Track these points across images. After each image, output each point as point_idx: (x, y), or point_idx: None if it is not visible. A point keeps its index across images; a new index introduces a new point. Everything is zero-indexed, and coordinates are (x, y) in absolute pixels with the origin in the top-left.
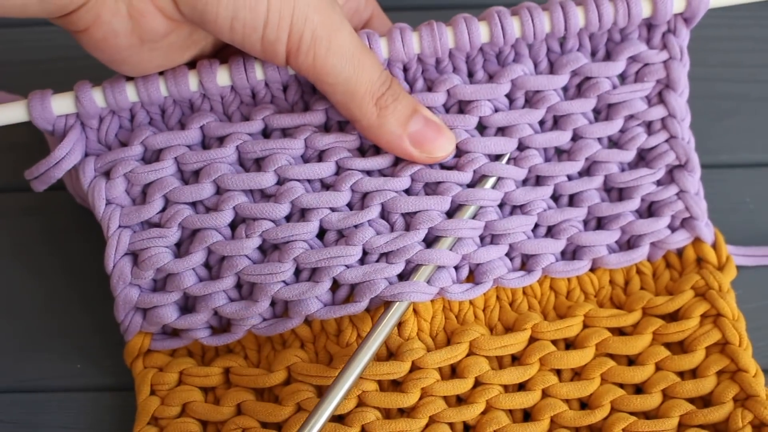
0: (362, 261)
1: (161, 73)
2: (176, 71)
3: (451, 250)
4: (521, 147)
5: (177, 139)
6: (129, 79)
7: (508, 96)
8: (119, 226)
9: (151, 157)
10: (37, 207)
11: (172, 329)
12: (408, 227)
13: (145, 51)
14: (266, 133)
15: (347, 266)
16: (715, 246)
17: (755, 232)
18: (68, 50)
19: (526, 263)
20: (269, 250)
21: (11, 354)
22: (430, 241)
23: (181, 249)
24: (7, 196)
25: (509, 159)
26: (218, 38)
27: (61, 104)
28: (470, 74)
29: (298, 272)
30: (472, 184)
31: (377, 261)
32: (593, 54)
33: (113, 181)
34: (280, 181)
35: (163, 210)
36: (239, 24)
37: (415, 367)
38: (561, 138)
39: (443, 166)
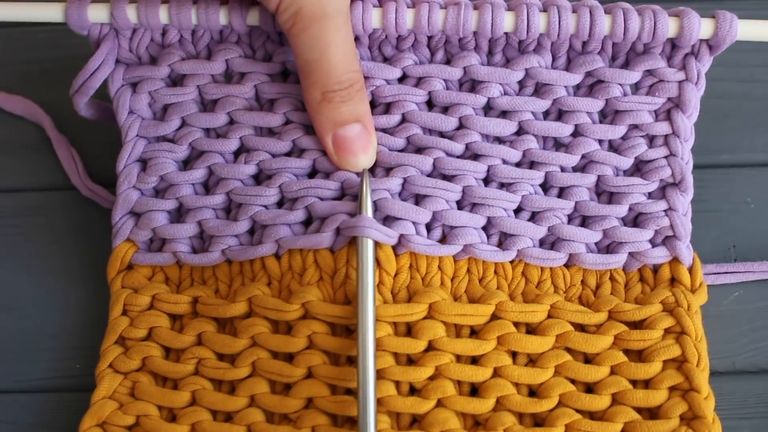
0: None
1: (195, 2)
2: (209, 5)
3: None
4: (520, 132)
5: (202, 69)
6: (165, 1)
7: (519, 83)
8: (137, 135)
9: (176, 77)
10: (37, 207)
11: (157, 246)
12: None
13: None
14: (286, 73)
15: (321, 199)
16: (691, 270)
17: (755, 232)
18: (68, 50)
19: (503, 243)
20: (263, 181)
21: (11, 354)
22: (406, 197)
23: (186, 166)
24: (7, 196)
25: (506, 141)
26: None
27: (96, 14)
28: (490, 52)
29: (280, 205)
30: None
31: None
32: (613, 59)
33: (138, 95)
34: (287, 122)
35: (178, 129)
36: None
37: None
38: (561, 129)
39: (442, 135)
